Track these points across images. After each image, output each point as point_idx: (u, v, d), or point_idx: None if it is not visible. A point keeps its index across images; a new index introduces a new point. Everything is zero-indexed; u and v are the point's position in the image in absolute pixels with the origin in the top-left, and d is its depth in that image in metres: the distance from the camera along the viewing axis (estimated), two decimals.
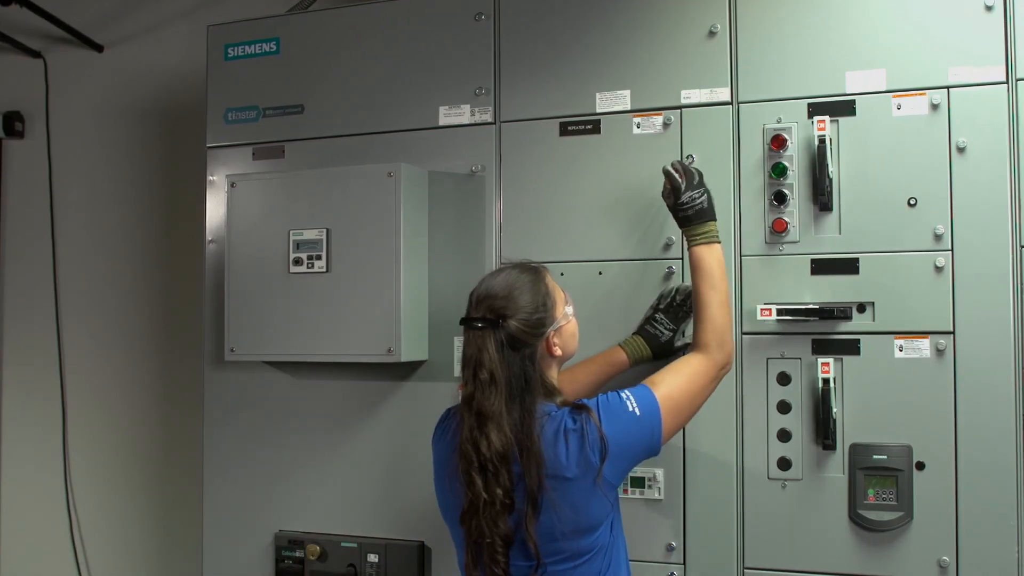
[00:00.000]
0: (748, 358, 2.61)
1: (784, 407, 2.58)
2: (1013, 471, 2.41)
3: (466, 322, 2.23)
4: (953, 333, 2.46)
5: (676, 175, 2.47)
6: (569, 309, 2.32)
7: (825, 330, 2.55)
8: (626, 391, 2.21)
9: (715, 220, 2.46)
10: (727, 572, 2.60)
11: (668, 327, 2.59)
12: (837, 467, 2.53)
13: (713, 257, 2.40)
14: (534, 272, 2.29)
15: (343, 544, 2.88)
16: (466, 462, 2.14)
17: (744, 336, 2.62)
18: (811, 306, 2.53)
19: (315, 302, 2.82)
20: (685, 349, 2.48)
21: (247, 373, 3.07)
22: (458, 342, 2.83)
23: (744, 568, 2.59)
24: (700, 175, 2.51)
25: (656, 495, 2.66)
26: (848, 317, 2.52)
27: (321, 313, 2.82)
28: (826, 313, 2.52)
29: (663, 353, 2.59)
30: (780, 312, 2.54)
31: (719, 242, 2.44)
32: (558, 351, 2.26)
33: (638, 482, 2.67)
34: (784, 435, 2.58)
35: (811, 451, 2.56)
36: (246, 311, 2.92)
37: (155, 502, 4.38)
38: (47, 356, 4.44)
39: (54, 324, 4.41)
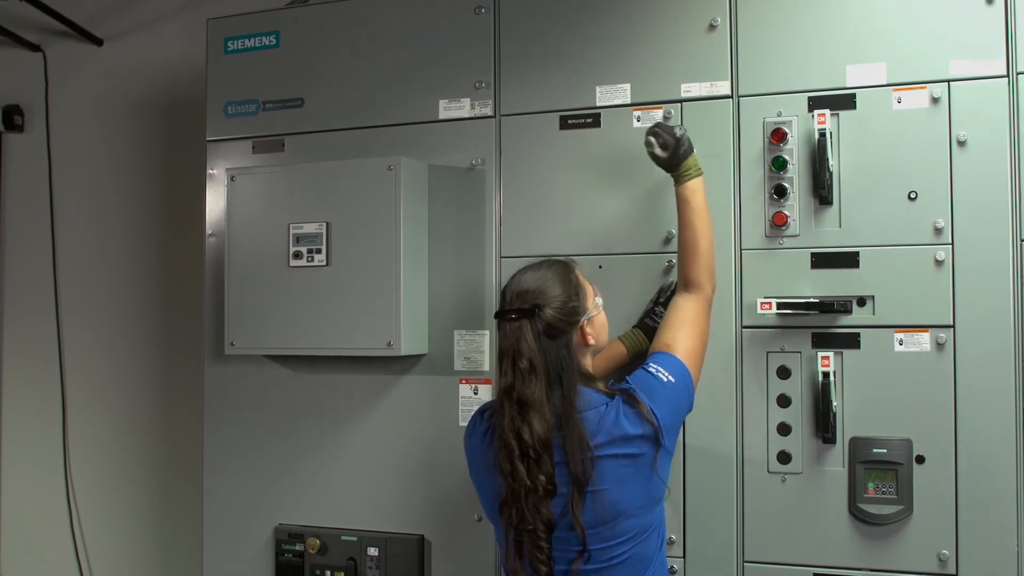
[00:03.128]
0: (748, 352, 2.61)
1: (784, 401, 2.58)
2: (1013, 465, 2.41)
3: (501, 315, 2.27)
4: (953, 327, 2.46)
5: (665, 135, 2.50)
6: (599, 300, 2.38)
7: (825, 324, 2.55)
8: (652, 364, 2.29)
9: (694, 152, 2.51)
10: (727, 565, 2.60)
11: None
12: (837, 461, 2.53)
13: (700, 190, 2.48)
14: (563, 265, 2.35)
15: (343, 538, 2.88)
16: (507, 451, 2.17)
17: (744, 329, 2.62)
18: (811, 300, 2.53)
19: (315, 296, 2.82)
20: None
21: (247, 367, 3.07)
22: (458, 335, 2.84)
23: (744, 562, 2.59)
24: (671, 123, 2.58)
25: None
26: (848, 311, 2.52)
27: (321, 307, 2.82)
28: (826, 307, 2.52)
29: None
30: (780, 306, 2.54)
31: (701, 173, 2.50)
32: (592, 340, 2.31)
33: None
34: (784, 429, 2.58)
35: (811, 445, 2.56)
36: (246, 305, 2.91)
37: (155, 495, 4.38)
38: (47, 350, 4.43)
39: (54, 318, 4.41)
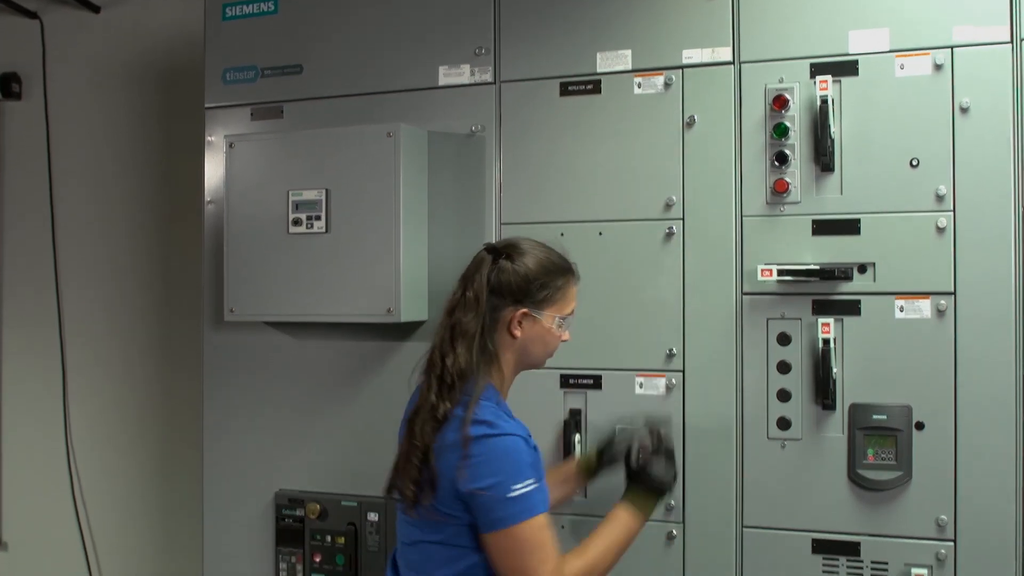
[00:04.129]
0: (748, 319, 2.61)
1: (784, 367, 2.58)
2: (1012, 431, 2.41)
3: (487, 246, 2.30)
4: (954, 294, 2.46)
5: (656, 439, 2.42)
6: (559, 321, 2.27)
7: (826, 290, 2.55)
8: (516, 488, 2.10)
9: (665, 494, 2.40)
10: (726, 531, 2.61)
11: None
12: (836, 427, 2.54)
13: (635, 528, 2.31)
14: (562, 263, 2.30)
15: (343, 503, 2.89)
16: (431, 366, 2.22)
17: (744, 296, 2.61)
18: (812, 267, 2.53)
19: (314, 263, 2.82)
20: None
21: (246, 334, 3.07)
22: None
23: (743, 527, 2.60)
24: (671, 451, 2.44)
25: None
26: (849, 278, 2.52)
27: (320, 274, 2.81)
28: (827, 274, 2.52)
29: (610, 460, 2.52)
30: (781, 272, 2.54)
31: (648, 516, 2.35)
32: (517, 333, 2.24)
33: None
34: (784, 395, 2.58)
35: (811, 411, 2.56)
36: (245, 272, 2.91)
37: (155, 461, 4.39)
38: (46, 318, 4.43)
39: (53, 285, 4.40)
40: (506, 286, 2.22)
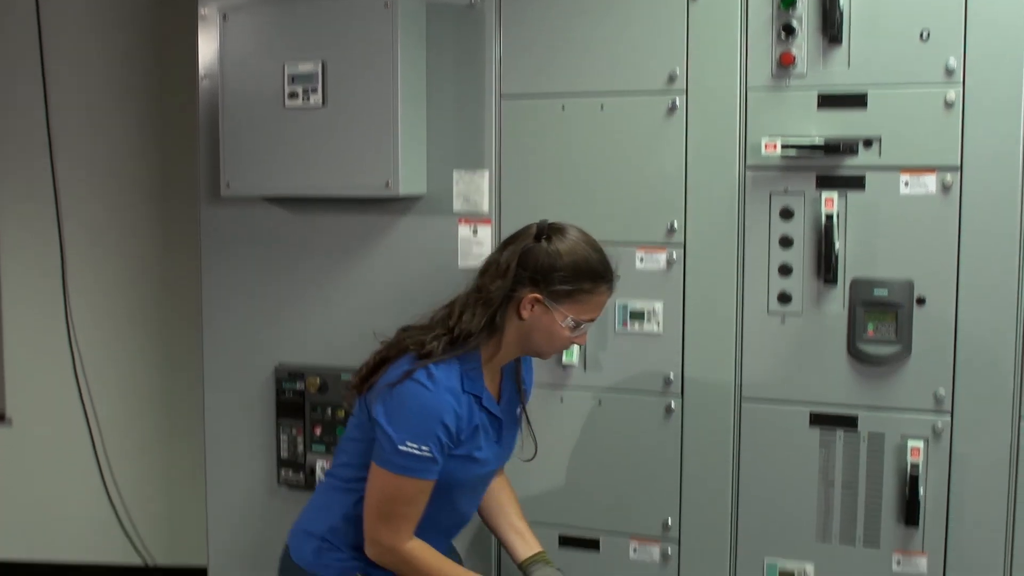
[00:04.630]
0: (751, 193, 2.58)
1: (786, 242, 2.57)
2: (1013, 307, 2.41)
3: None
4: (960, 169, 2.43)
5: None
6: (571, 322, 2.21)
7: (830, 165, 2.52)
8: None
9: None
10: (724, 403, 2.63)
11: None
12: (837, 302, 2.53)
13: None
14: (601, 269, 2.22)
15: (343, 376, 2.90)
16: (450, 311, 2.27)
17: (748, 171, 2.58)
18: (816, 141, 2.50)
19: (311, 136, 2.78)
20: None
21: (244, 209, 3.04)
22: (457, 176, 2.81)
23: (742, 400, 2.62)
24: None
25: (655, 328, 2.67)
26: (854, 152, 2.49)
27: (317, 148, 2.77)
28: (832, 148, 2.48)
29: None
30: (785, 146, 2.51)
31: None
32: (525, 315, 2.20)
33: (637, 316, 2.67)
34: (785, 270, 2.57)
35: (812, 286, 2.55)
36: (241, 146, 2.87)
37: (155, 337, 4.42)
38: (42, 198, 4.40)
39: (48, 163, 4.36)
40: (532, 263, 2.18)
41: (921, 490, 2.47)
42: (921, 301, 2.47)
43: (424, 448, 2.15)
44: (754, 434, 2.62)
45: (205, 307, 3.13)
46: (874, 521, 2.54)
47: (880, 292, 2.49)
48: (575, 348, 2.68)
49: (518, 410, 2.40)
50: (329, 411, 2.92)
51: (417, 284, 2.85)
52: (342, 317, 2.96)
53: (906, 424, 2.50)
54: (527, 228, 2.25)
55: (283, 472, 3.01)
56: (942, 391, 2.46)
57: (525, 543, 2.49)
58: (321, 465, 2.93)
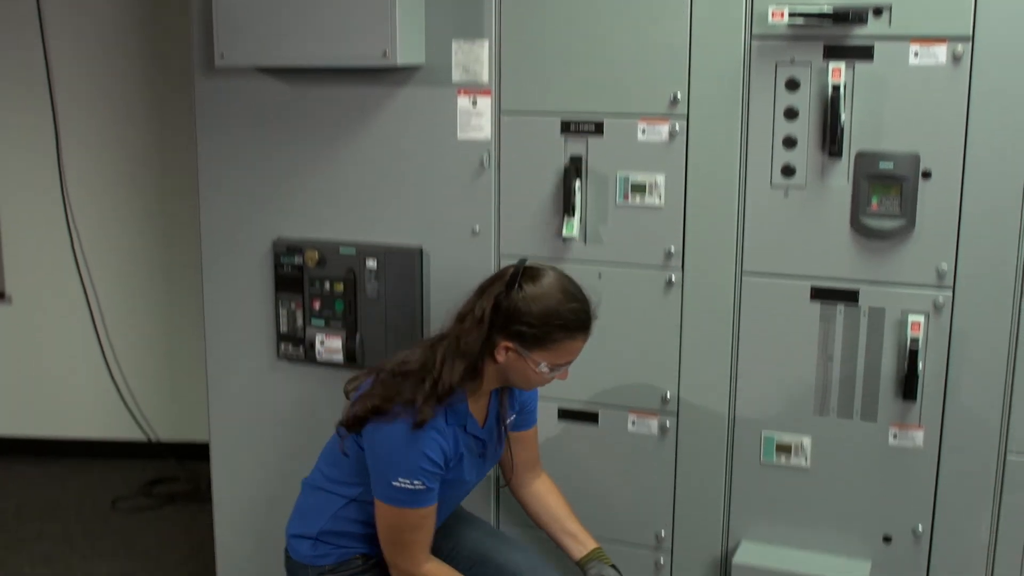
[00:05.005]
0: (756, 64, 2.52)
1: (791, 113, 2.51)
2: (1020, 181, 2.37)
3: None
4: (972, 39, 2.36)
5: None
6: (545, 367, 2.26)
7: (838, 34, 2.44)
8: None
9: None
10: (725, 276, 2.61)
11: None
12: (842, 175, 2.49)
13: None
14: (574, 320, 2.25)
15: (342, 250, 2.88)
16: (427, 367, 2.30)
17: (753, 40, 2.51)
18: (825, 8, 2.42)
19: (307, 4, 2.69)
20: None
21: (239, 81, 2.97)
22: (456, 46, 2.74)
23: (743, 273, 2.60)
24: None
25: (657, 201, 2.63)
26: (863, 20, 2.42)
27: (313, 16, 2.69)
28: (840, 16, 2.41)
29: None
30: (792, 14, 2.43)
31: None
32: (500, 359, 2.26)
33: (638, 188, 2.64)
34: (789, 142, 2.52)
35: (816, 158, 2.51)
36: (236, 15, 2.77)
37: (152, 214, 4.41)
38: (35, 78, 4.34)
39: (39, 43, 4.29)
40: (504, 312, 2.23)
41: (920, 364, 2.47)
42: (927, 175, 2.43)
43: (416, 482, 2.27)
44: (754, 308, 2.60)
45: (201, 182, 3.08)
46: (872, 395, 2.55)
47: (886, 165, 2.45)
48: (575, 221, 2.66)
49: (503, 426, 2.47)
50: (328, 285, 2.90)
51: (415, 156, 2.81)
52: (340, 190, 2.92)
53: (907, 299, 2.48)
54: (503, 272, 2.29)
55: (282, 346, 3.01)
56: (944, 266, 2.44)
57: (580, 543, 2.60)
58: (320, 339, 2.93)
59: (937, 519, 2.56)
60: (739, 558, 2.66)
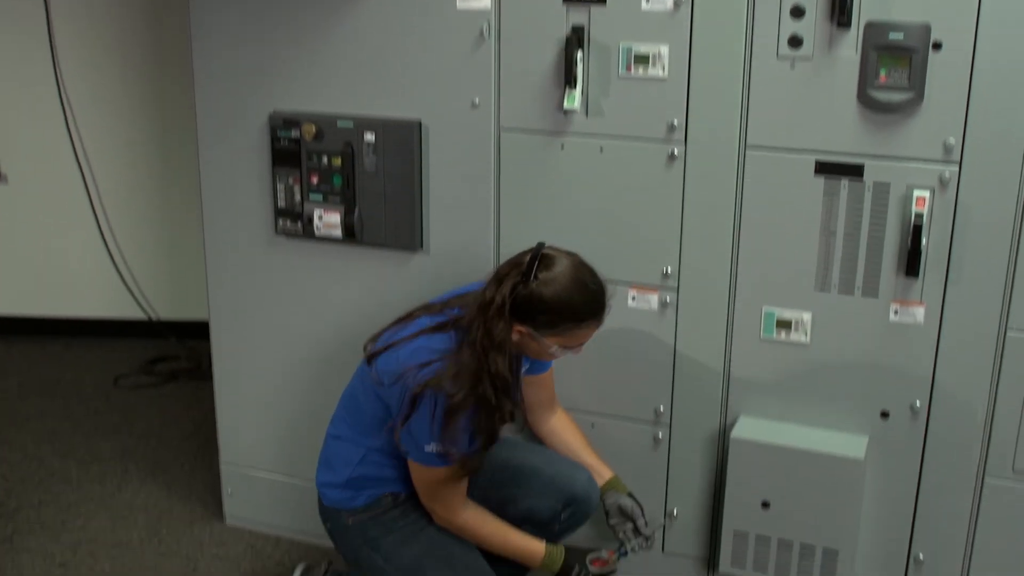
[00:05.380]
0: None
1: None
2: None
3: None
4: None
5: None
6: (556, 349, 2.39)
7: None
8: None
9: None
10: (729, 150, 2.57)
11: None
12: (850, 46, 2.42)
13: (527, 560, 2.60)
14: (585, 311, 2.36)
15: (339, 124, 2.83)
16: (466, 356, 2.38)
17: None
18: None
19: None
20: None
21: None
22: None
23: (747, 147, 2.56)
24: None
25: (660, 73, 2.57)
26: None
27: None
28: None
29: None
30: None
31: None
32: (515, 338, 2.35)
33: (642, 60, 2.56)
34: (797, 11, 2.44)
35: (824, 29, 2.43)
36: None
37: (147, 91, 4.35)
38: None
39: None
40: (519, 301, 2.32)
41: (924, 240, 2.44)
42: (937, 46, 2.37)
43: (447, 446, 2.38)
44: (758, 182, 2.57)
45: (195, 55, 3.01)
46: (874, 271, 2.53)
47: (895, 36, 2.38)
48: (576, 93, 2.61)
49: (518, 376, 2.54)
50: (325, 159, 2.86)
51: (414, 27, 2.74)
52: (337, 62, 2.86)
53: (913, 173, 2.44)
54: (521, 259, 2.37)
55: (281, 222, 2.98)
56: (952, 140, 2.39)
57: (597, 474, 2.71)
58: (319, 214, 2.90)
59: (935, 395, 2.57)
60: (737, 433, 2.68)
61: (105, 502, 3.59)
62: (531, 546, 2.59)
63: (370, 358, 2.47)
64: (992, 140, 2.37)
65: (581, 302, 2.35)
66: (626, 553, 2.66)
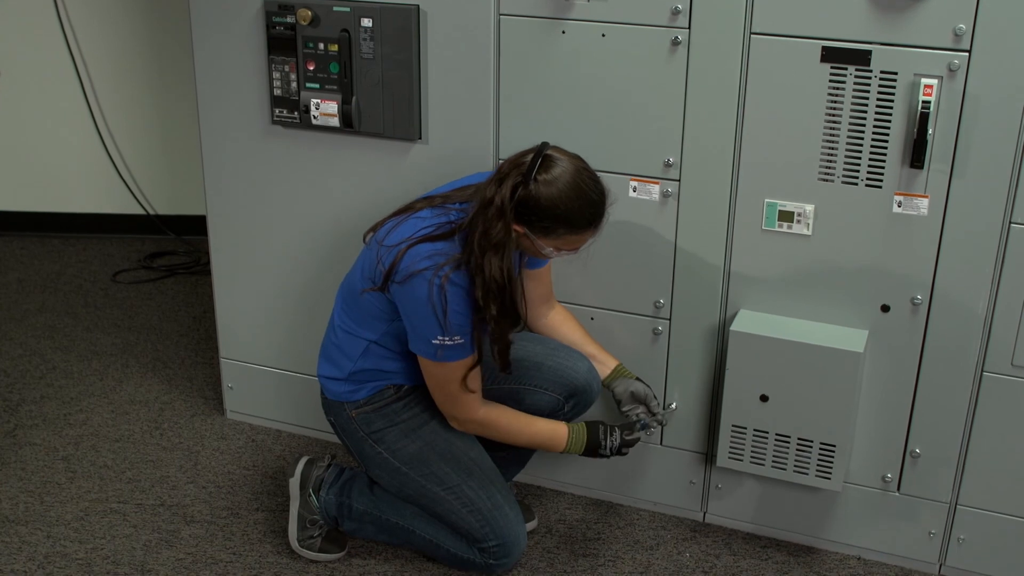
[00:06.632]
0: None
1: None
2: None
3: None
4: None
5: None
6: (551, 251, 2.41)
7: None
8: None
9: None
10: (733, 38, 2.50)
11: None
12: None
13: (554, 448, 2.60)
14: (583, 218, 2.35)
15: (335, 8, 2.76)
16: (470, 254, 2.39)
17: None
18: None
19: None
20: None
21: None
22: None
23: (752, 32, 2.49)
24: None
25: None
26: None
27: None
28: None
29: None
30: None
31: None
32: (512, 235, 2.34)
33: None
34: None
35: None
36: None
37: None
38: None
39: None
40: (519, 202, 2.31)
41: (930, 130, 2.40)
42: None
43: (456, 338, 2.38)
44: (762, 70, 2.51)
45: None
46: (878, 162, 2.49)
47: None
48: None
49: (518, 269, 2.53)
50: (322, 46, 2.80)
51: None
52: None
53: (921, 60, 2.38)
54: (522, 158, 2.35)
55: (277, 111, 2.94)
56: (962, 27, 2.33)
57: (601, 363, 2.74)
58: (315, 103, 2.85)
59: (936, 289, 2.55)
60: (737, 326, 2.66)
61: (106, 396, 3.61)
62: (556, 429, 2.61)
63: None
64: (1003, 27, 2.31)
65: (578, 209, 2.34)
66: (645, 427, 2.68)
